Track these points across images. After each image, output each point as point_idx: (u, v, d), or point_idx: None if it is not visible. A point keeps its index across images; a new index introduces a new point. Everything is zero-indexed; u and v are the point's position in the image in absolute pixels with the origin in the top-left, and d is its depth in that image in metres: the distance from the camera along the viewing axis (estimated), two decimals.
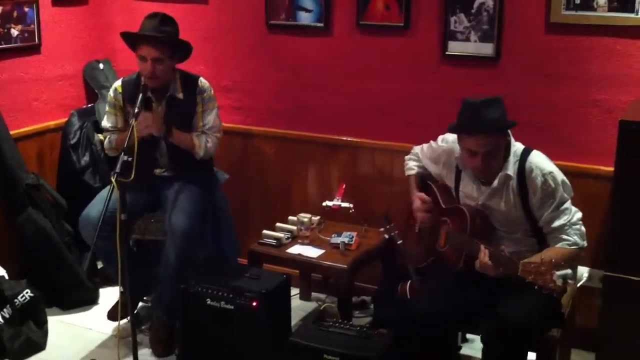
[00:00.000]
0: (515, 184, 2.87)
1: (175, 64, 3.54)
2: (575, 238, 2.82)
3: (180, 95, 3.55)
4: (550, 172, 2.83)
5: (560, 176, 2.85)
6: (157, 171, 3.63)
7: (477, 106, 2.82)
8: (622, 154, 2.82)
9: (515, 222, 2.93)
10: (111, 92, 3.62)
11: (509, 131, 2.90)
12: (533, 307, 2.72)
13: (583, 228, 2.86)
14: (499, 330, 2.74)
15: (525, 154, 2.88)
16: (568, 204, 2.84)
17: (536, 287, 2.53)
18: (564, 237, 2.82)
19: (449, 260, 3.02)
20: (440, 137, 3.18)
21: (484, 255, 2.73)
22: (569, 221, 2.82)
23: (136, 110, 3.25)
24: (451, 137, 3.07)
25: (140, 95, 3.30)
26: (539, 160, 2.87)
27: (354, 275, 3.49)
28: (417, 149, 3.33)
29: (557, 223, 2.82)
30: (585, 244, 2.86)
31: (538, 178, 2.83)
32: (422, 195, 3.22)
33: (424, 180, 3.31)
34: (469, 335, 3.51)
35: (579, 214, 2.87)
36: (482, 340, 2.84)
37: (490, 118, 2.79)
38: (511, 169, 2.87)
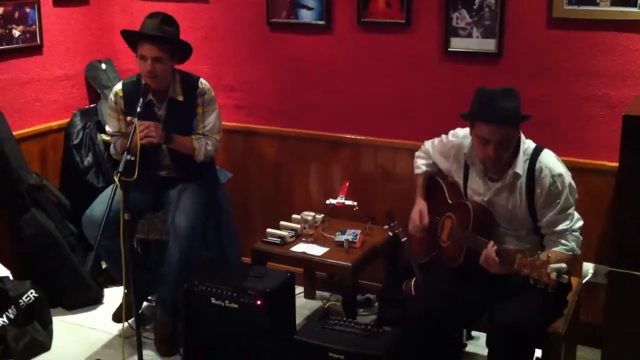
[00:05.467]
0: (524, 183, 2.85)
1: (175, 64, 3.53)
2: (573, 244, 2.81)
3: (181, 98, 3.53)
4: (560, 175, 2.82)
5: (568, 179, 2.83)
6: (162, 173, 3.63)
7: (494, 94, 2.81)
8: (627, 149, 2.80)
9: (520, 221, 2.92)
10: (112, 97, 3.60)
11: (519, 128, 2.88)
12: (531, 307, 2.71)
13: (581, 237, 2.85)
14: (499, 333, 2.75)
15: (536, 153, 2.86)
16: (572, 210, 2.84)
17: (531, 281, 2.53)
18: (563, 241, 2.81)
19: (450, 255, 3.01)
20: (451, 132, 3.16)
21: (491, 250, 2.72)
22: (570, 227, 2.82)
23: (138, 110, 3.25)
24: (461, 132, 3.07)
25: (142, 97, 3.30)
26: (549, 160, 2.85)
27: (358, 273, 3.48)
28: (427, 144, 3.30)
29: (558, 227, 2.81)
30: (579, 252, 2.85)
31: (547, 179, 2.81)
32: (424, 209, 3.21)
33: (433, 176, 3.30)
34: (474, 333, 3.51)
35: (581, 222, 2.86)
36: (487, 344, 2.85)
37: (505, 107, 2.78)
38: (520, 167, 2.85)
